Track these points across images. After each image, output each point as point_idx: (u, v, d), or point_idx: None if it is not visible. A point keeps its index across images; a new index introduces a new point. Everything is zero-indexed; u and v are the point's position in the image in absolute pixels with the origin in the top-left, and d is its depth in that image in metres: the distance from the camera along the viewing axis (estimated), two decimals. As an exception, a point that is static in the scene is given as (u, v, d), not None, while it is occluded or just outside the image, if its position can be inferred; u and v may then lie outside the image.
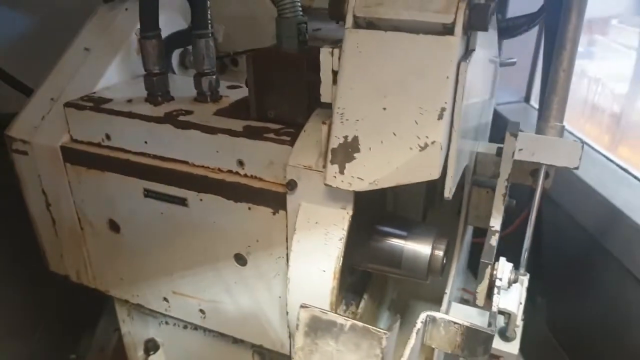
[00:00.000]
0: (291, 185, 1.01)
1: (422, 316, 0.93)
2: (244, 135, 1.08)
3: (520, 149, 1.13)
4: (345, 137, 0.91)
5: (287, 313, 1.05)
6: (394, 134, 0.88)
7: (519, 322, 1.14)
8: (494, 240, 1.13)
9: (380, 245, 1.17)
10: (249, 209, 1.11)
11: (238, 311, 1.25)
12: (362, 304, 1.50)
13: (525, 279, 1.19)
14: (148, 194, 1.22)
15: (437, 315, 0.94)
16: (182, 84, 1.33)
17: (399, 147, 0.88)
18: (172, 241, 1.25)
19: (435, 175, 0.88)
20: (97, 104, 1.26)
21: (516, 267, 1.13)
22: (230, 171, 1.13)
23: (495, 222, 1.18)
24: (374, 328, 0.75)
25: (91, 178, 1.28)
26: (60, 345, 1.90)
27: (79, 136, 1.29)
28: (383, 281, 1.65)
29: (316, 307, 0.79)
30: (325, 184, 0.94)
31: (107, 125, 1.24)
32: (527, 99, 2.37)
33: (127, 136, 1.22)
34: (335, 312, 0.98)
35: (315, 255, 1.00)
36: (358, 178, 0.91)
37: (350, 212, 0.99)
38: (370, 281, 1.57)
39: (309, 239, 1.00)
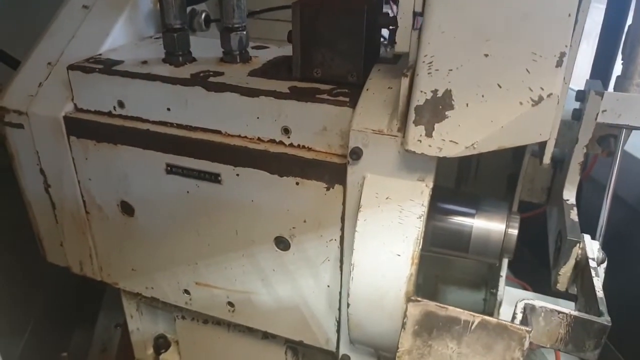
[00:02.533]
0: (356, 154, 0.81)
1: (520, 305, 0.75)
2: (292, 98, 0.88)
3: (604, 110, 0.96)
4: (435, 92, 0.72)
5: (347, 305, 0.85)
6: (499, 86, 0.69)
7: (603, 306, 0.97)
8: (573, 215, 0.96)
9: (445, 226, 0.98)
10: (297, 184, 0.90)
11: (275, 303, 1.05)
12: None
13: (601, 269, 1.02)
14: (171, 169, 1.00)
15: (537, 303, 0.76)
16: (200, 45, 1.11)
17: (506, 101, 0.69)
18: (198, 224, 1.04)
19: (546, 135, 0.70)
20: (107, 66, 1.03)
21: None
22: (272, 141, 0.92)
23: (570, 195, 1.01)
24: (514, 325, 0.57)
25: (101, 153, 1.06)
26: (51, 343, 1.65)
27: (86, 104, 1.06)
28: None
29: (430, 302, 0.60)
30: (407, 150, 0.75)
31: (121, 90, 1.01)
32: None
33: (146, 102, 1.00)
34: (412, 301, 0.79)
35: (388, 237, 0.80)
36: (451, 141, 0.72)
37: (431, 185, 0.80)
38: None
39: (379, 217, 0.81)
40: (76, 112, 1.07)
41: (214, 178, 0.97)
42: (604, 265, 1.02)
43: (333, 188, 0.88)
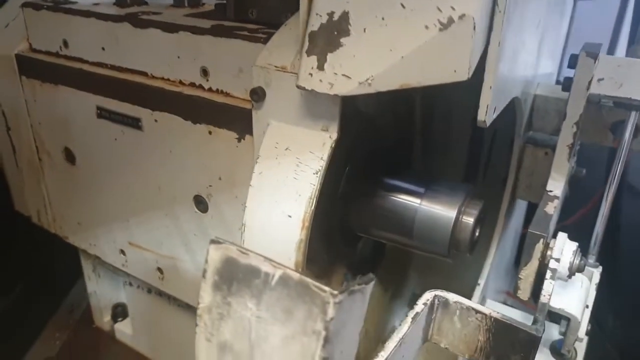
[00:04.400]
0: (257, 94, 0.68)
1: (428, 296, 0.58)
2: (209, 33, 0.75)
3: (601, 79, 0.75)
4: (331, 15, 0.57)
5: (241, 274, 0.71)
6: (402, 6, 0.53)
7: (582, 333, 0.76)
8: (550, 207, 0.76)
9: (386, 204, 0.82)
10: (210, 133, 0.78)
11: (199, 273, 0.92)
12: (363, 287, 1.15)
13: (595, 273, 0.80)
14: (101, 113, 0.91)
15: (451, 297, 0.59)
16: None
17: (409, 24, 0.53)
18: (126, 176, 0.94)
19: (462, 72, 0.53)
20: (56, 4, 0.96)
21: (584, 253, 0.76)
22: (193, 84, 0.80)
23: (555, 186, 0.80)
24: (318, 284, 0.41)
25: (45, 94, 0.99)
26: (40, 304, 1.59)
27: (38, 44, 1.00)
28: (402, 269, 1.29)
29: (233, 244, 0.46)
30: (298, 86, 0.60)
31: (65, 28, 0.94)
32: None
33: (84, 41, 0.92)
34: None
35: (281, 194, 0.65)
36: (344, 76, 0.57)
37: (335, 136, 0.64)
38: (382, 264, 1.22)
39: (275, 170, 0.66)
40: (29, 52, 1.01)
41: (136, 123, 0.86)
42: (596, 277, 0.81)
43: (244, 139, 0.74)
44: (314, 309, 0.40)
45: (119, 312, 1.30)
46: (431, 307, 0.59)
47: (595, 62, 0.72)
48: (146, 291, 1.17)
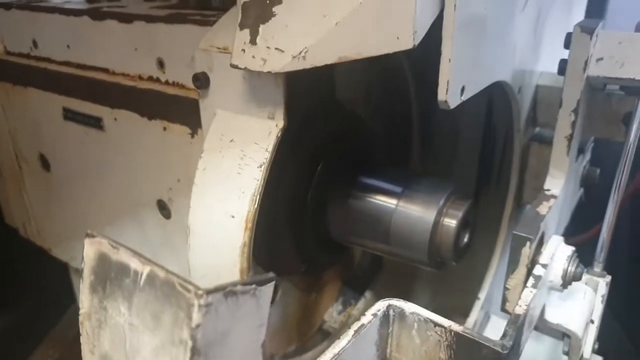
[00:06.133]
0: (199, 80, 0.62)
1: (379, 306, 0.50)
2: (163, 21, 0.71)
3: (600, 59, 0.66)
4: (264, -18, 0.51)
5: (191, 284, 0.65)
6: (336, -37, 0.46)
7: (588, 353, 0.65)
8: (543, 207, 0.66)
9: (360, 207, 0.74)
10: (164, 129, 0.73)
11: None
12: (359, 305, 1.06)
13: (602, 283, 0.70)
14: (67, 114, 0.88)
15: (408, 307, 0.50)
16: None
17: (342, -16, 0.46)
18: (95, 182, 0.90)
19: (407, 39, 0.45)
20: (26, 2, 0.95)
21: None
22: (151, 78, 0.75)
23: (553, 184, 0.71)
24: (184, 282, 0.34)
25: (17, 97, 0.97)
26: (40, 320, 1.56)
27: (11, 46, 0.98)
28: (408, 279, 1.19)
29: (106, 238, 0.39)
30: (232, 65, 0.54)
31: (33, 27, 0.92)
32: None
33: (51, 40, 0.89)
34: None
35: (224, 192, 0.59)
36: (277, 49, 0.50)
37: (281, 124, 0.57)
38: (379, 275, 1.13)
39: (219, 165, 0.60)
40: (5, 55, 1.00)
41: (98, 123, 0.82)
42: (602, 288, 0.70)
43: (197, 134, 0.69)
44: (179, 313, 0.33)
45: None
46: (385, 318, 0.50)
47: (592, 38, 0.63)
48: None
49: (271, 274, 0.37)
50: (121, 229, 0.89)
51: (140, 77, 0.76)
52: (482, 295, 0.86)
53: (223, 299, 0.33)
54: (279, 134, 0.57)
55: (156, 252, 0.84)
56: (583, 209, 0.97)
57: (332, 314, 1.03)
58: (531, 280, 0.54)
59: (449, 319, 0.50)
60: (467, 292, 1.05)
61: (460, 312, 1.16)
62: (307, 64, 0.48)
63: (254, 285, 0.35)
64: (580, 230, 1.14)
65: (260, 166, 0.57)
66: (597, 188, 0.94)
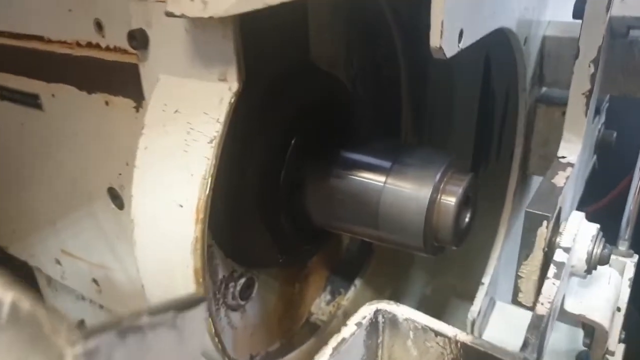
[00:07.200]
0: (136, 39, 0.51)
1: (365, 311, 0.40)
2: (97, -27, 0.59)
3: (623, -4, 0.55)
4: None
5: (142, 286, 0.54)
6: None
7: (613, 344, 0.56)
8: (560, 178, 0.56)
9: (343, 184, 0.64)
10: (106, 103, 0.62)
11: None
12: (349, 294, 0.96)
13: (629, 264, 0.60)
14: (2, 93, 0.77)
15: (401, 312, 0.40)
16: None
17: None
18: (41, 170, 0.79)
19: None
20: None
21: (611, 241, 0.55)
22: (90, 44, 0.64)
23: (569, 150, 0.60)
24: (55, 321, 0.23)
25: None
26: None
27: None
28: (404, 266, 1.09)
29: None
30: (167, 13, 0.43)
31: (-39, -6, 0.80)
32: None
33: (-20, 7, 0.77)
34: (202, 285, 0.47)
35: (170, 175, 0.48)
36: (217, -11, 0.39)
37: (235, 87, 0.46)
38: (370, 259, 1.03)
39: (163, 143, 0.49)
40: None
41: (35, 102, 0.71)
42: (630, 269, 0.60)
43: (142, 107, 0.58)
44: (45, 362, 0.23)
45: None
46: (373, 327, 0.40)
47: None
48: (98, 306, 1.02)
49: (200, 295, 0.26)
50: (75, 222, 0.78)
51: (79, 44, 0.65)
52: (486, 280, 0.76)
53: (117, 340, 0.22)
54: (233, 100, 0.46)
55: (114, 247, 0.74)
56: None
57: (319, 305, 0.93)
58: (552, 269, 0.44)
59: (448, 301, 0.40)
60: (467, 271, 0.96)
61: (460, 294, 1.07)
62: (259, 4, 0.37)
63: (170, 313, 0.24)
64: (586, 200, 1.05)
65: (211, 141, 0.46)
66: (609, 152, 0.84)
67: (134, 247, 0.52)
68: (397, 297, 1.06)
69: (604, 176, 0.94)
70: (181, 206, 0.47)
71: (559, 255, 0.45)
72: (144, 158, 0.50)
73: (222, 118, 0.46)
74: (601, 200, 1.06)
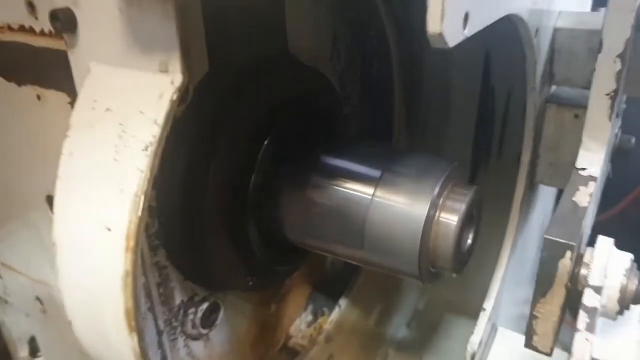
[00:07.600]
0: (60, 21, 0.40)
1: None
2: (26, -61, 0.49)
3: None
4: None
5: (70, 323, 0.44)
6: None
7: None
8: (583, 196, 0.46)
9: (322, 196, 0.54)
10: (38, 97, 0.51)
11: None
12: (333, 315, 0.87)
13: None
14: None
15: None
16: None
17: None
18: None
19: None
20: None
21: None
22: (22, 28, 0.54)
23: (590, 161, 0.51)
24: None
25: None
26: None
27: None
28: (395, 279, 1.00)
29: None
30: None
31: None
32: None
33: None
34: (135, 328, 0.37)
35: (96, 190, 0.38)
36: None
37: (179, 79, 0.36)
38: (358, 275, 0.93)
39: (90, 148, 0.39)
40: None
41: (-38, 94, 0.61)
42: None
43: (77, 103, 0.48)
44: None
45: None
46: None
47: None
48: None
49: None
50: (13, 233, 0.68)
51: (10, 28, 0.55)
52: (489, 305, 0.67)
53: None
54: (176, 97, 0.36)
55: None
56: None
57: (299, 327, 0.84)
58: (583, 319, 0.34)
59: (443, 317, 0.30)
60: (464, 284, 0.87)
61: (456, 308, 0.98)
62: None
63: None
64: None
65: (146, 148, 0.36)
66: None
67: (57, 277, 0.42)
68: (387, 313, 0.97)
69: (613, 180, 0.86)
70: (109, 230, 0.37)
71: (589, 298, 0.36)
72: (68, 167, 0.40)
73: (160, 119, 0.36)
74: (611, 208, 0.97)
